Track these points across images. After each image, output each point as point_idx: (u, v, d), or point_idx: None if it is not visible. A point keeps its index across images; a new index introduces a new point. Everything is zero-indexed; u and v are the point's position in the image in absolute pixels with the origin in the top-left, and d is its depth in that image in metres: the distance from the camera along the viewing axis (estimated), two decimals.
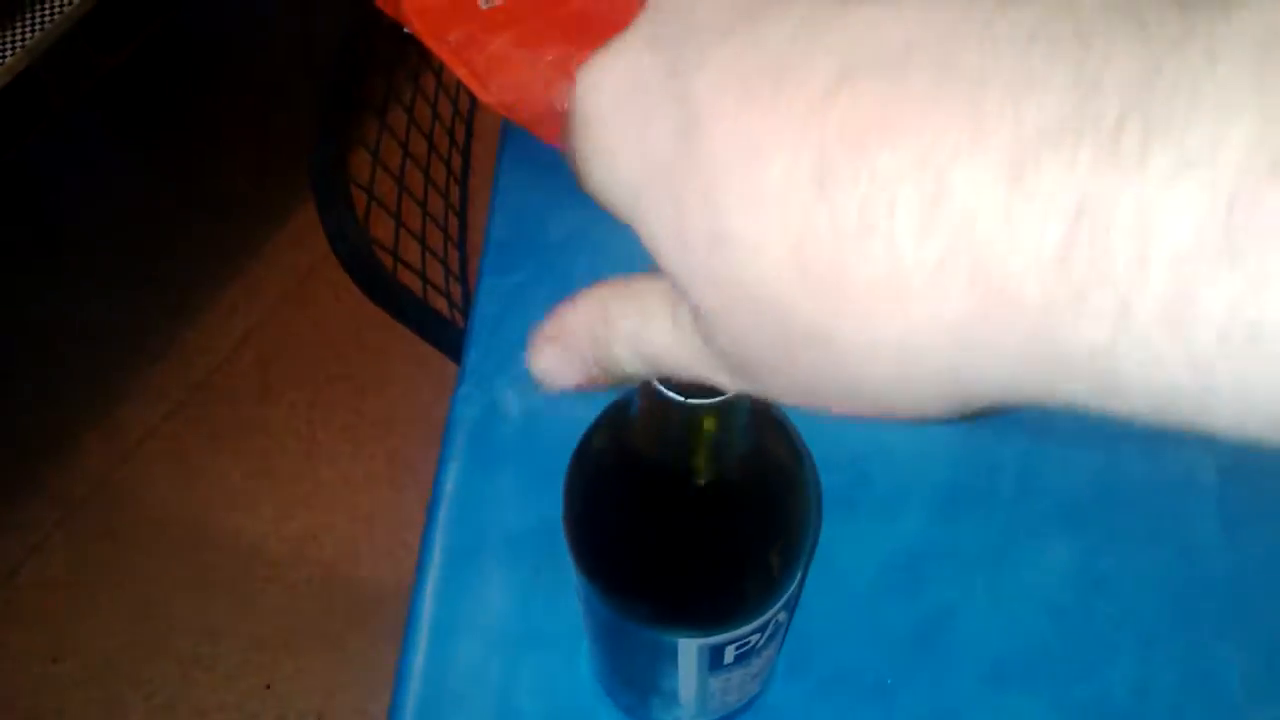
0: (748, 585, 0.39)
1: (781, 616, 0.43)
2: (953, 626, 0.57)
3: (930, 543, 0.59)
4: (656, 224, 0.19)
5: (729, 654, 0.42)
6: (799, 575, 0.41)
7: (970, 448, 0.62)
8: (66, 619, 1.38)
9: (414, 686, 0.57)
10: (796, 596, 0.48)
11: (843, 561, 0.58)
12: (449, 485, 0.62)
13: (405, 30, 0.70)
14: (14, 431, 1.51)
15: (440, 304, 1.07)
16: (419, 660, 0.57)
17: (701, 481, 0.36)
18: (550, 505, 0.60)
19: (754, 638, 0.42)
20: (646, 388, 0.32)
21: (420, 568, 0.60)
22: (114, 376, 1.56)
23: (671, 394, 0.29)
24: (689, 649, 0.41)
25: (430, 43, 0.69)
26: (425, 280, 0.90)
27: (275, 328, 1.60)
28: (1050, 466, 0.61)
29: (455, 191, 0.96)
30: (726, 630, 0.40)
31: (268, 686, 1.33)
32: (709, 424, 0.32)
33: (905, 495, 0.61)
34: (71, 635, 1.37)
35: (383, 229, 0.94)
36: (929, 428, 0.62)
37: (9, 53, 1.18)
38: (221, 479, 1.48)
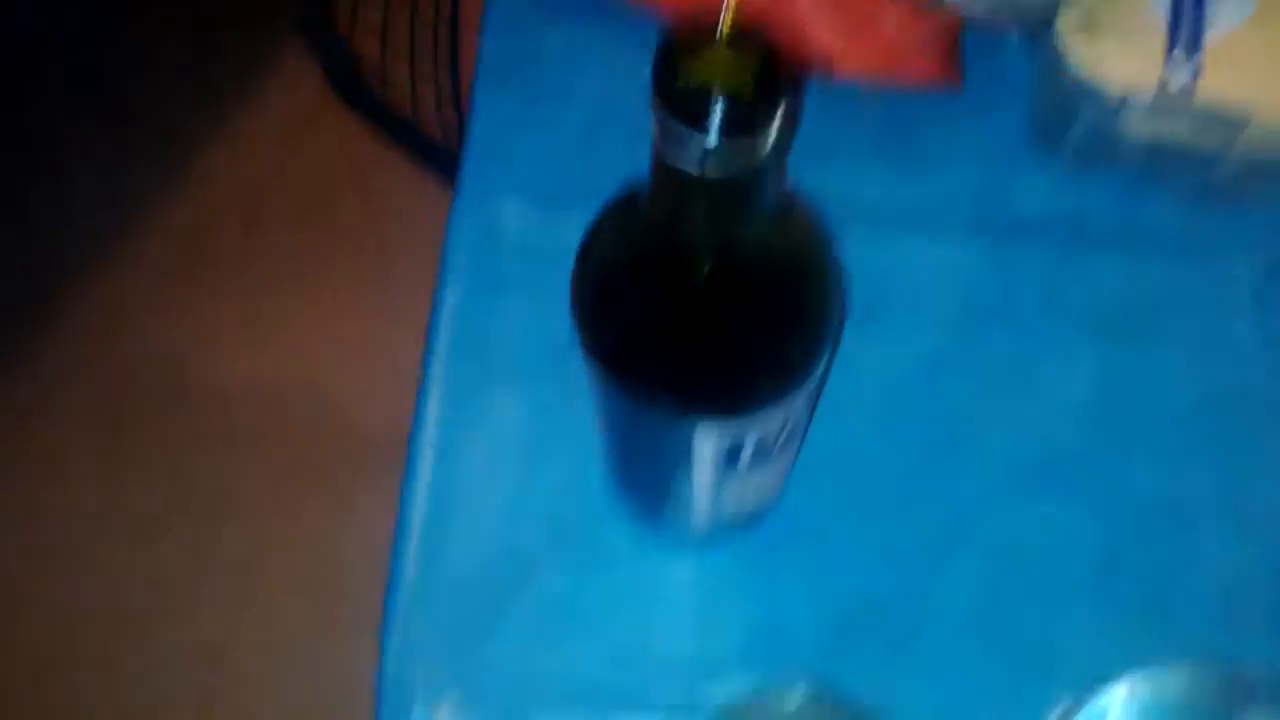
0: (769, 368, 0.37)
1: (801, 410, 0.42)
2: (976, 436, 0.56)
3: (951, 355, 0.57)
4: None
5: (747, 449, 0.41)
6: (822, 363, 0.39)
7: (992, 260, 0.59)
8: (101, 480, 1.38)
9: (419, 504, 0.56)
10: (816, 396, 0.46)
11: (861, 374, 0.56)
12: (448, 309, 0.60)
13: None
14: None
15: (433, 131, 1.03)
16: (424, 479, 0.56)
17: (722, 260, 0.33)
18: (556, 325, 0.59)
19: (772, 431, 0.40)
20: (659, 161, 0.29)
21: (421, 393, 0.58)
22: (105, 215, 1.52)
23: (689, 169, 0.27)
24: (706, 439, 0.39)
25: None
26: (415, 102, 0.86)
27: (267, 169, 1.55)
28: (1076, 277, 0.59)
29: (447, 8, 0.91)
30: (745, 416, 0.38)
31: (280, 528, 1.34)
32: (728, 195, 0.30)
33: (925, 309, 0.58)
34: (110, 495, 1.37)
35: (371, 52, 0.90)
36: (948, 243, 0.59)
37: None
38: (214, 324, 1.46)
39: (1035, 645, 0.52)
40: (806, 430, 0.50)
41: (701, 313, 0.35)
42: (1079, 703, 0.44)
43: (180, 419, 1.40)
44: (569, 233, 0.39)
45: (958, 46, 0.62)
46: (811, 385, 0.39)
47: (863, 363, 0.55)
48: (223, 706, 1.25)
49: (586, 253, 0.38)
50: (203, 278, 1.48)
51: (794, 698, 0.44)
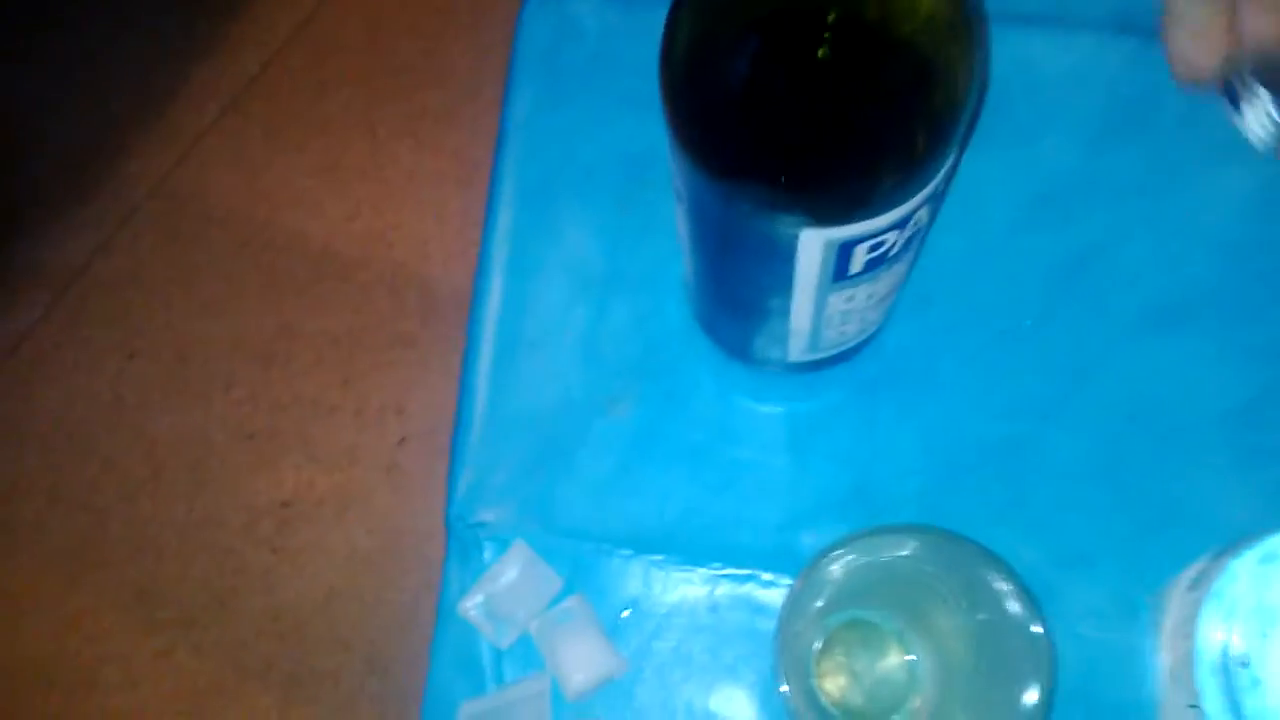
0: (892, 154, 0.31)
1: (923, 216, 0.36)
2: (1104, 264, 0.49)
3: (1080, 173, 0.51)
4: None
5: (858, 257, 0.35)
6: (953, 152, 0.33)
7: (1135, 66, 0.52)
8: (139, 317, 1.37)
9: (488, 332, 0.51)
10: (938, 203, 0.41)
11: (980, 191, 0.50)
12: (518, 116, 0.54)
13: None
14: (68, 137, 1.46)
15: None
16: (493, 311, 0.52)
17: (842, 18, 0.27)
18: (634, 131, 0.53)
19: (889, 237, 0.35)
20: None
21: (490, 205, 0.53)
22: (163, 75, 1.48)
23: None
24: (812, 246, 0.34)
25: None
26: None
27: (326, 20, 1.49)
28: None
29: None
30: (858, 219, 0.33)
31: (345, 381, 1.32)
32: None
33: (1052, 120, 0.52)
34: (145, 332, 1.36)
35: None
36: (1086, 43, 0.52)
37: None
38: (283, 178, 1.42)
39: (1162, 500, 0.47)
40: (921, 248, 0.45)
41: (814, 83, 0.29)
42: (1218, 562, 0.39)
43: (248, 270, 1.38)
44: (650, 33, 0.33)
45: None
46: (938, 180, 0.34)
47: (982, 178, 0.49)
48: (294, 554, 1.26)
49: (678, 12, 0.32)
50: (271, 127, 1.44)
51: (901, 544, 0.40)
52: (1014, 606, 0.37)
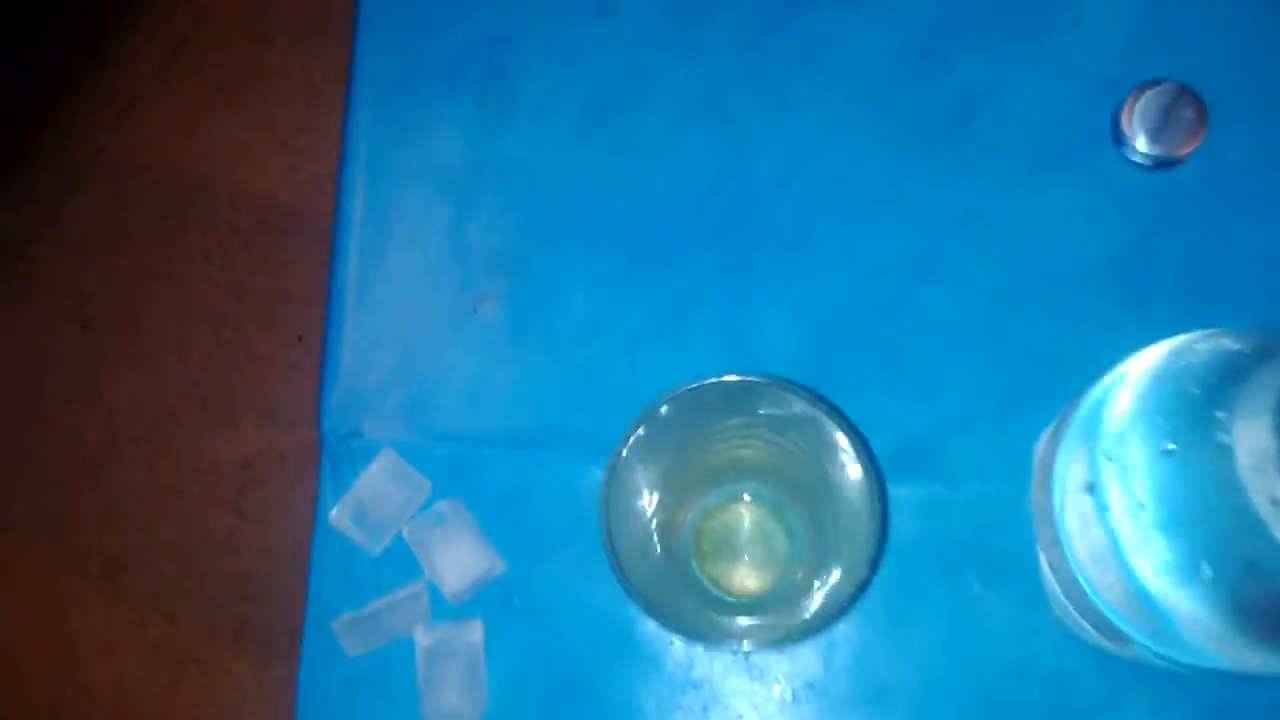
0: None
1: None
2: (979, 113, 0.47)
3: (947, 21, 0.48)
4: None
5: None
6: None
7: None
8: (90, 287, 1.35)
9: (354, 240, 0.50)
10: None
11: (842, 53, 0.48)
12: (370, 14, 0.52)
13: None
14: (4, 109, 1.43)
15: None
16: (357, 211, 0.50)
17: None
18: (487, 23, 0.51)
19: None
20: None
21: (348, 112, 0.52)
22: (96, 41, 1.45)
23: None
24: None
25: None
26: None
27: None
28: None
29: None
30: None
31: (299, 338, 1.31)
32: None
33: None
34: (97, 301, 1.35)
35: None
36: None
37: None
38: (222, 135, 1.40)
39: (1046, 349, 0.45)
40: None
41: None
42: (1076, 398, 0.37)
43: (193, 231, 1.36)
44: None
45: None
46: None
47: (844, 36, 0.47)
48: (259, 514, 1.25)
49: None
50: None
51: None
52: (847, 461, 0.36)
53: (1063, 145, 0.47)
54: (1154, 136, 0.45)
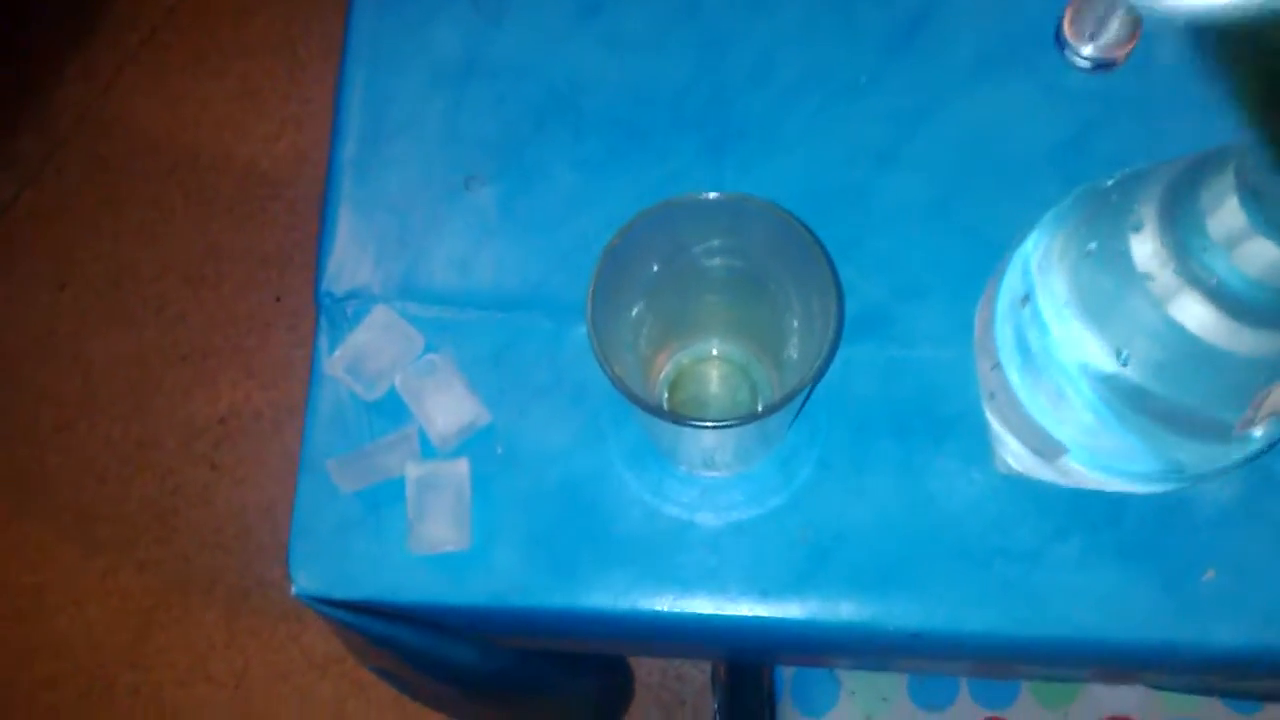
0: None
1: None
2: (934, 16, 0.52)
3: None
4: None
5: None
6: None
7: None
8: (68, 247, 1.37)
9: (354, 122, 0.53)
10: None
11: None
12: None
13: None
14: None
15: None
16: (357, 96, 0.53)
17: None
18: None
19: None
20: None
21: (351, 6, 0.55)
22: (83, 9, 1.47)
23: None
24: None
25: None
26: None
27: None
28: None
29: None
30: None
31: (278, 299, 1.33)
32: None
33: None
34: (76, 262, 1.37)
35: None
36: None
37: None
38: (206, 104, 1.42)
39: (994, 229, 0.49)
40: None
41: None
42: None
43: (175, 195, 1.38)
44: None
45: None
46: None
47: None
48: (234, 468, 1.27)
49: None
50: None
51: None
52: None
53: (1010, 49, 0.51)
54: (1092, 40, 0.50)
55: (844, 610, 0.45)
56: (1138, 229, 0.32)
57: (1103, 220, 0.33)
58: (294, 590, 0.46)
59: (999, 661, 0.51)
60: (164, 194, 1.38)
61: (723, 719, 0.76)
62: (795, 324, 0.42)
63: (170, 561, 1.24)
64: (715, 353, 0.47)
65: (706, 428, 0.35)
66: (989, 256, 0.47)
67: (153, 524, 1.25)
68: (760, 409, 0.45)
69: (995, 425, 0.44)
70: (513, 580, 0.46)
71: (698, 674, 1.15)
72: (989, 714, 0.70)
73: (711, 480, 0.47)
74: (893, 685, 0.71)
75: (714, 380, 0.48)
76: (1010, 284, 0.37)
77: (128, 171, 1.40)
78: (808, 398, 0.46)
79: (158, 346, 1.32)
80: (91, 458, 1.28)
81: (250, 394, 1.29)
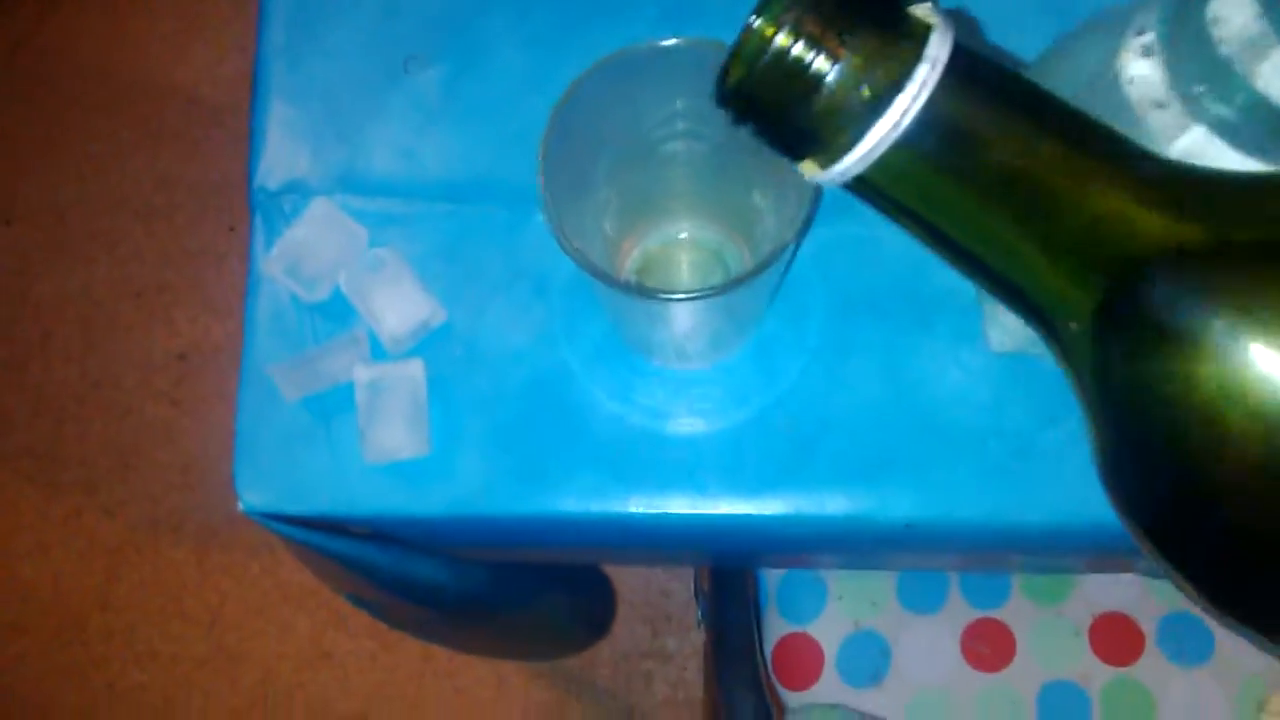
0: None
1: None
2: None
3: None
4: None
5: None
6: None
7: None
8: (13, 181, 1.31)
9: (280, 2, 0.49)
10: None
11: None
12: None
13: None
14: None
15: None
16: None
17: None
18: None
19: None
20: None
21: None
22: None
23: None
24: None
25: None
26: None
27: None
28: None
29: None
30: None
31: (232, 229, 1.28)
32: None
33: None
34: (21, 196, 1.31)
35: None
36: None
37: None
38: (148, 27, 1.36)
39: None
40: None
41: None
42: None
43: (120, 125, 1.32)
44: None
45: None
46: None
47: None
48: (195, 404, 1.23)
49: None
50: None
51: None
52: None
53: None
54: None
55: (831, 504, 0.42)
56: (1145, 54, 0.29)
57: (1104, 48, 0.30)
58: (241, 506, 0.43)
59: (993, 551, 0.49)
60: (109, 125, 1.32)
61: (707, 629, 0.74)
62: (770, 199, 0.39)
63: (135, 501, 1.21)
64: (685, 236, 0.44)
65: (678, 299, 0.32)
66: None
67: (115, 464, 1.22)
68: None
69: (991, 307, 0.41)
70: (476, 487, 0.43)
71: (682, 589, 1.13)
72: (981, 614, 0.68)
73: (686, 373, 0.44)
74: (881, 589, 0.69)
75: (684, 266, 0.44)
76: None
77: (70, 102, 1.34)
78: (787, 269, 0.43)
79: (110, 282, 1.27)
80: (47, 399, 1.24)
81: (209, 328, 1.25)
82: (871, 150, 0.22)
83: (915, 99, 0.21)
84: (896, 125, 0.21)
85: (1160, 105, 0.28)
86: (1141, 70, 0.28)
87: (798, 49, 0.21)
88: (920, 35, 0.21)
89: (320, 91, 0.47)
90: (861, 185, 0.23)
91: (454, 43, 0.48)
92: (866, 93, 0.21)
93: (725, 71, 0.23)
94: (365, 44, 0.48)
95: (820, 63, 0.21)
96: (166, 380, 1.24)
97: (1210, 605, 0.25)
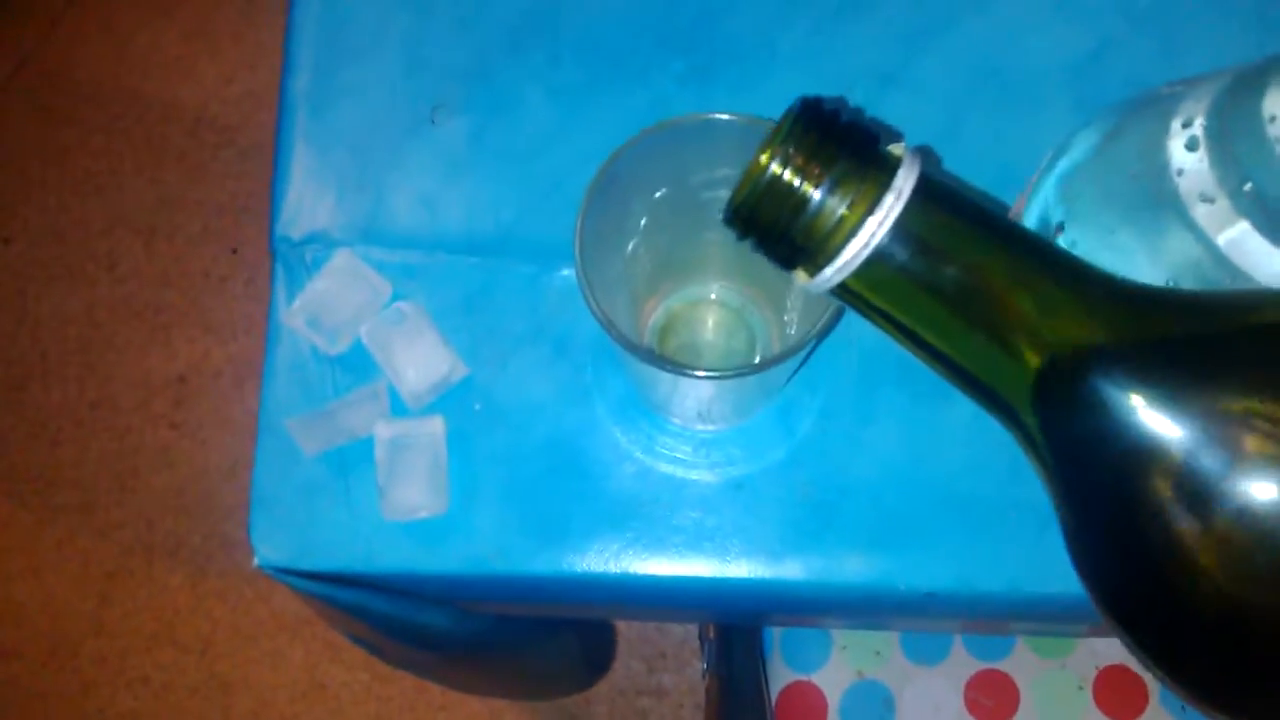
0: None
1: None
2: None
3: None
4: None
5: None
6: None
7: None
8: (12, 199, 1.31)
9: (307, 46, 0.48)
10: None
11: None
12: None
13: None
14: None
15: None
16: (311, 16, 0.49)
17: None
18: None
19: None
20: None
21: None
22: None
23: None
24: None
25: None
26: None
27: None
28: None
29: None
30: None
31: (234, 251, 1.28)
32: None
33: None
34: (20, 215, 1.30)
35: None
36: None
37: None
38: (154, 46, 1.35)
39: (1002, 150, 0.45)
40: None
41: None
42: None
43: (123, 144, 1.32)
44: None
45: None
46: None
47: None
48: (194, 428, 1.22)
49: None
50: None
51: None
52: None
53: None
54: None
55: (850, 569, 0.42)
56: (1191, 148, 0.29)
57: (1146, 136, 0.30)
58: (256, 562, 0.43)
59: (1009, 619, 0.49)
60: (111, 143, 1.32)
61: (712, 677, 0.73)
62: None
63: (131, 525, 1.20)
64: (711, 296, 0.44)
65: (707, 378, 0.31)
66: (1003, 184, 0.44)
67: (112, 487, 1.21)
68: (760, 358, 0.42)
69: None
70: (495, 545, 0.42)
71: (678, 626, 1.12)
72: (984, 666, 0.68)
73: (707, 434, 0.44)
74: (885, 640, 0.68)
75: (709, 326, 0.44)
76: (1038, 212, 0.34)
77: (72, 120, 1.33)
78: (816, 346, 0.43)
79: (109, 303, 1.27)
80: (44, 420, 1.23)
81: (209, 350, 1.24)
82: (849, 263, 0.26)
83: (883, 223, 0.25)
84: (868, 244, 0.26)
85: (1207, 199, 0.28)
86: (1189, 163, 0.28)
87: (788, 176, 0.26)
88: (892, 167, 0.26)
89: (344, 139, 0.47)
90: (843, 291, 0.27)
91: (481, 93, 0.47)
92: (845, 214, 0.26)
93: (734, 193, 0.27)
94: (391, 92, 0.48)
95: (805, 189, 0.26)
96: (165, 403, 1.23)
97: (1171, 684, 0.28)
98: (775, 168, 0.26)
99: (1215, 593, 0.25)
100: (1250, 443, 0.24)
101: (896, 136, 0.27)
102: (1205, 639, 0.26)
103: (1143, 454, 0.25)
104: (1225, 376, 0.25)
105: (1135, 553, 0.26)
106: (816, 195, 0.26)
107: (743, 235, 0.28)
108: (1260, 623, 0.25)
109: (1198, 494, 0.25)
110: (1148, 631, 0.28)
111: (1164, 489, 0.25)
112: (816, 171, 0.26)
